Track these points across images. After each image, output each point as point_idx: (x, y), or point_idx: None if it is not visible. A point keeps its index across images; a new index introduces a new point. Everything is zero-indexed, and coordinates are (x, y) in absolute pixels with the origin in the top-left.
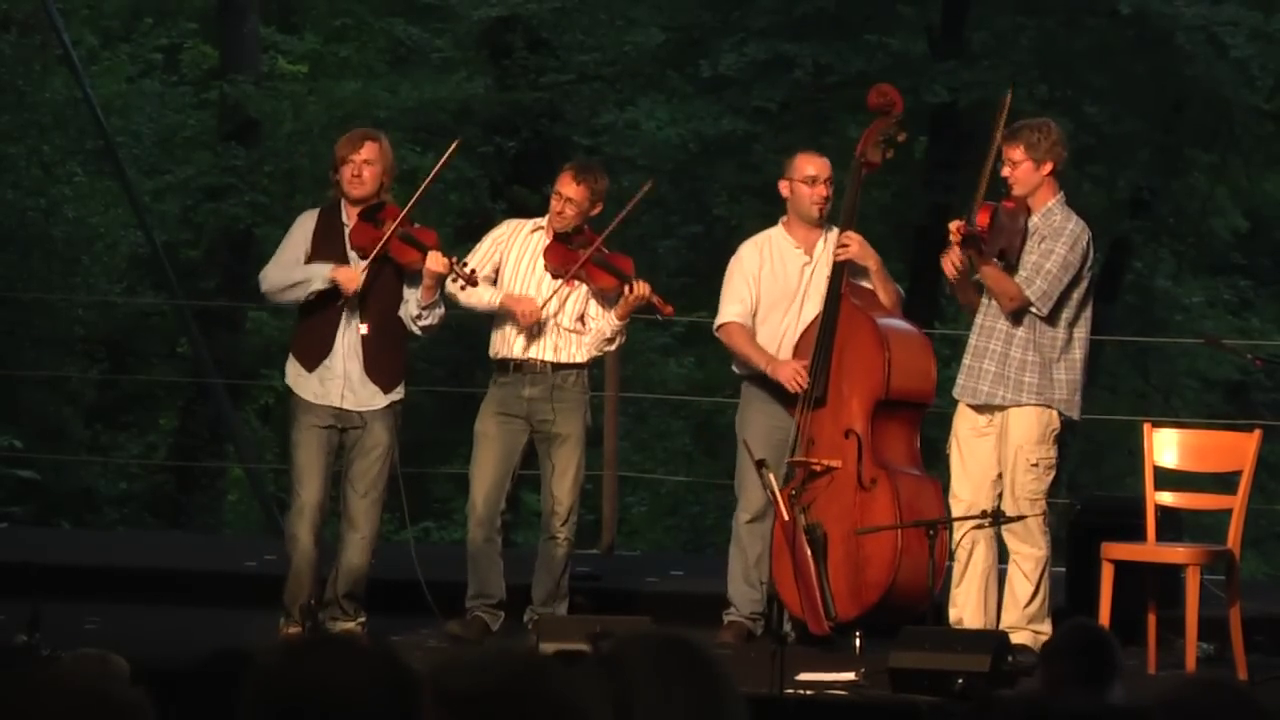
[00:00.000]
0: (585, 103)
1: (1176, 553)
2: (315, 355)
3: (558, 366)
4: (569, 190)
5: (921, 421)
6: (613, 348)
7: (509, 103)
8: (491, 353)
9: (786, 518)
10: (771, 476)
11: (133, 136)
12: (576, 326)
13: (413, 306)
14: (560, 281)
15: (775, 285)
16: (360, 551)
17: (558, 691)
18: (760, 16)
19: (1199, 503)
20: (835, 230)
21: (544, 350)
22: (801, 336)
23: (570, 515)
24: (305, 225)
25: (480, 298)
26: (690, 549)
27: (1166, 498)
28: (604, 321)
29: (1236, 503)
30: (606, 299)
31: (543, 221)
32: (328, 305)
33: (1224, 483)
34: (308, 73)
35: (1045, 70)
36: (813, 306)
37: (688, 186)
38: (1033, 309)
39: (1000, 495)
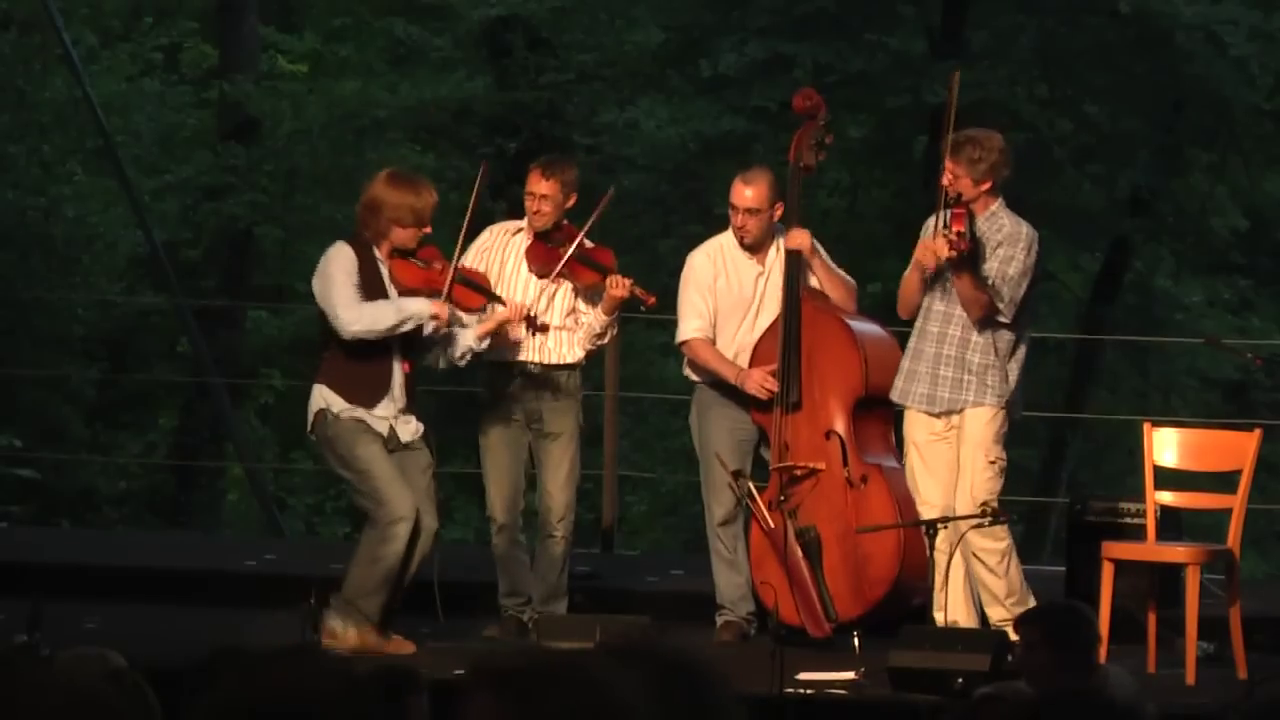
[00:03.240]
0: (585, 102)
1: (1176, 552)
2: (372, 395)
3: (550, 367)
4: (541, 188)
5: (892, 417)
6: (604, 341)
7: (509, 102)
8: (484, 356)
9: (772, 525)
10: (752, 485)
11: (132, 136)
12: (568, 323)
13: (457, 348)
14: (545, 281)
15: (730, 295)
16: (431, 538)
17: (602, 679)
18: (760, 16)
19: (1199, 502)
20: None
21: (536, 351)
22: (758, 343)
23: (567, 512)
24: (347, 258)
25: (469, 340)
26: (690, 549)
27: (1166, 497)
28: (592, 317)
29: (1236, 502)
30: (592, 294)
31: (523, 223)
32: (380, 343)
33: (1224, 482)
34: (307, 72)
35: (1045, 69)
36: (767, 316)
37: (688, 186)
38: (1000, 317)
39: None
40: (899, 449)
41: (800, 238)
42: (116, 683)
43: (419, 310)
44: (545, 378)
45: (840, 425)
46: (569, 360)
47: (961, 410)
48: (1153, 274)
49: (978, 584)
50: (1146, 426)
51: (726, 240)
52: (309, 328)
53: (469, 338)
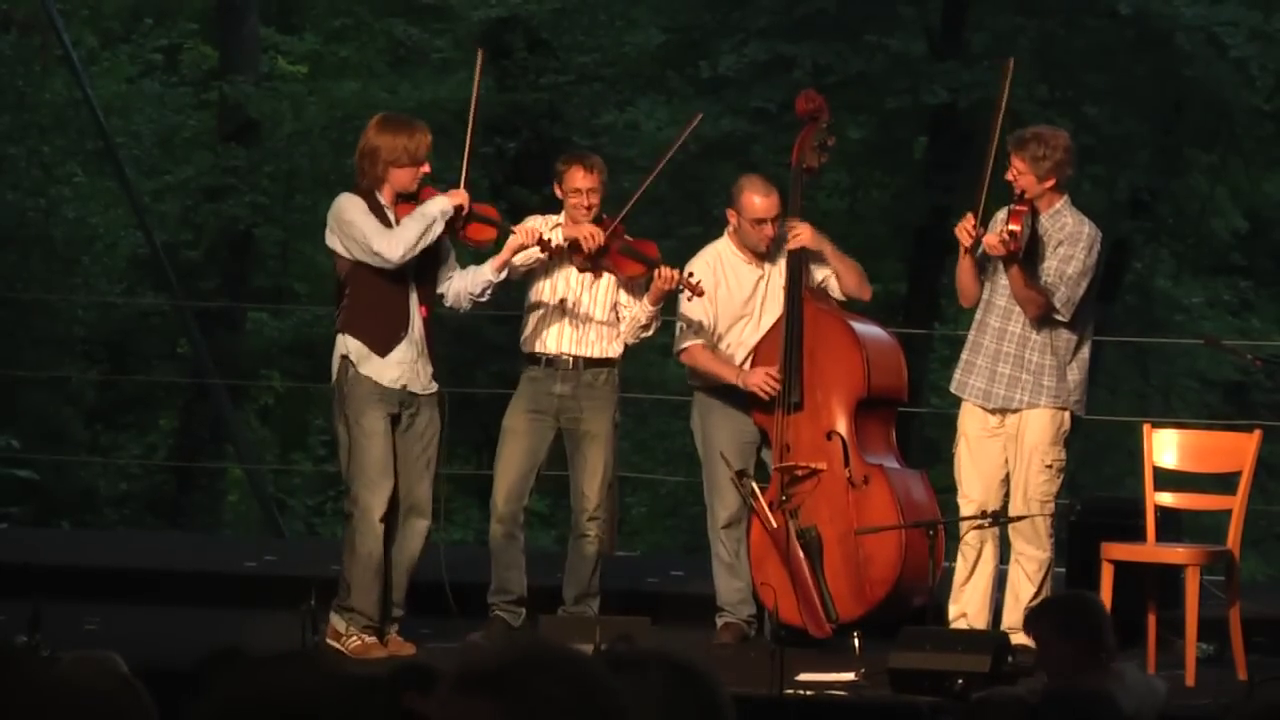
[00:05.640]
0: (585, 103)
1: (1176, 553)
2: (389, 338)
3: (589, 363)
4: (585, 182)
5: (896, 418)
6: (649, 333)
7: (509, 103)
8: (523, 345)
9: (775, 525)
10: (755, 486)
11: (133, 137)
12: (610, 318)
13: (472, 282)
14: (588, 274)
15: (732, 301)
16: (423, 537)
17: (598, 675)
18: (760, 17)
19: (1199, 503)
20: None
21: (576, 345)
22: (760, 344)
23: (600, 513)
24: (356, 202)
25: (487, 273)
26: (690, 549)
27: (1166, 498)
28: (638, 308)
29: (1236, 503)
30: (636, 287)
31: (560, 219)
32: (396, 286)
33: (1224, 483)
34: (307, 73)
35: (1045, 71)
36: (770, 318)
37: (688, 187)
38: (1056, 315)
39: (1007, 495)
40: (953, 439)
41: (801, 232)
42: (109, 682)
43: (441, 206)
44: (584, 374)
45: (842, 426)
46: (609, 355)
47: (1017, 410)
48: (1153, 275)
49: (1008, 588)
50: (1146, 427)
51: (723, 247)
52: (309, 329)
53: (486, 271)
